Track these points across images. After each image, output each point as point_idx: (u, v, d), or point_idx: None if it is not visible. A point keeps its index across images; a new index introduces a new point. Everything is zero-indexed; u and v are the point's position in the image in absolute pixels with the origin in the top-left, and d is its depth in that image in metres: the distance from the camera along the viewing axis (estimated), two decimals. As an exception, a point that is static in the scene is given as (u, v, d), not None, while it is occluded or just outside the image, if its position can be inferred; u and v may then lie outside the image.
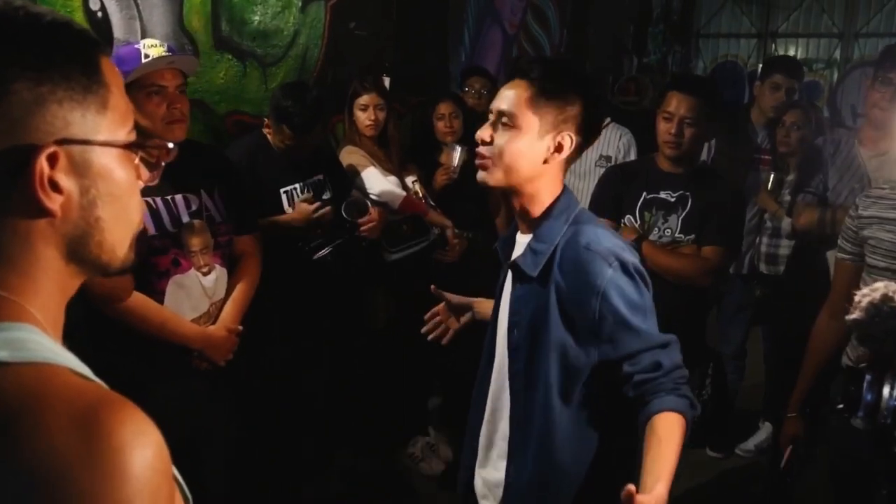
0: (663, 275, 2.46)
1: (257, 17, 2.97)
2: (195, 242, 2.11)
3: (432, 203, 3.42)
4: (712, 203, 2.50)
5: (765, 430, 3.80)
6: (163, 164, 0.81)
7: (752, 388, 3.95)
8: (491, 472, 1.71)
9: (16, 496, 0.56)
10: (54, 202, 0.68)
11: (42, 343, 0.67)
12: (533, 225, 1.58)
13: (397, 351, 3.34)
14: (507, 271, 1.66)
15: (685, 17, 8.06)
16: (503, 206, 3.35)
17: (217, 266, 2.18)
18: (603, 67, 6.09)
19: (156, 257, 2.06)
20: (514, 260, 1.59)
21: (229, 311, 2.23)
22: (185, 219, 2.10)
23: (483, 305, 1.88)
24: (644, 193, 2.58)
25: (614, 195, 2.63)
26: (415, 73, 3.95)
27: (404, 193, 3.28)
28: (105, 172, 0.72)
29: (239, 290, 2.26)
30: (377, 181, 3.22)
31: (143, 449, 0.60)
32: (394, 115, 3.37)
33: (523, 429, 1.60)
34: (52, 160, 0.67)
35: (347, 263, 2.90)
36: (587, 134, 1.58)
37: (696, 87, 2.55)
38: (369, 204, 2.91)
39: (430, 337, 1.96)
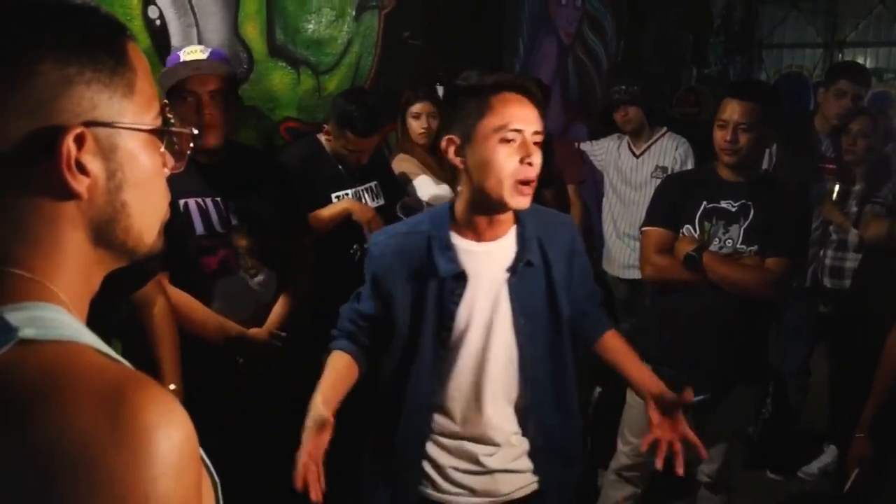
0: (724, 286, 2.39)
1: (311, 26, 3.00)
2: (243, 244, 2.13)
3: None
4: (776, 213, 2.40)
5: (829, 454, 3.64)
6: (188, 152, 0.79)
7: (816, 408, 3.80)
8: (500, 459, 1.77)
9: (37, 474, 0.54)
10: (81, 184, 0.68)
11: (67, 322, 0.66)
12: (508, 226, 1.69)
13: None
14: (465, 280, 1.68)
15: (747, 27, 7.88)
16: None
17: (265, 269, 2.19)
18: (660, 78, 6.00)
19: (204, 257, 2.08)
20: (528, 259, 1.68)
21: (275, 315, 2.23)
22: (234, 221, 2.12)
23: (331, 405, 1.68)
24: (704, 203, 2.49)
25: (672, 205, 2.55)
26: (468, 82, 3.93)
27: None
28: (131, 156, 0.71)
29: (287, 294, 2.27)
30: (429, 189, 3.21)
31: (169, 429, 0.59)
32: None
33: (557, 402, 1.78)
34: (79, 142, 0.67)
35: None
36: None
37: (751, 92, 2.46)
38: (424, 203, 2.90)
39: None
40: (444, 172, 3.32)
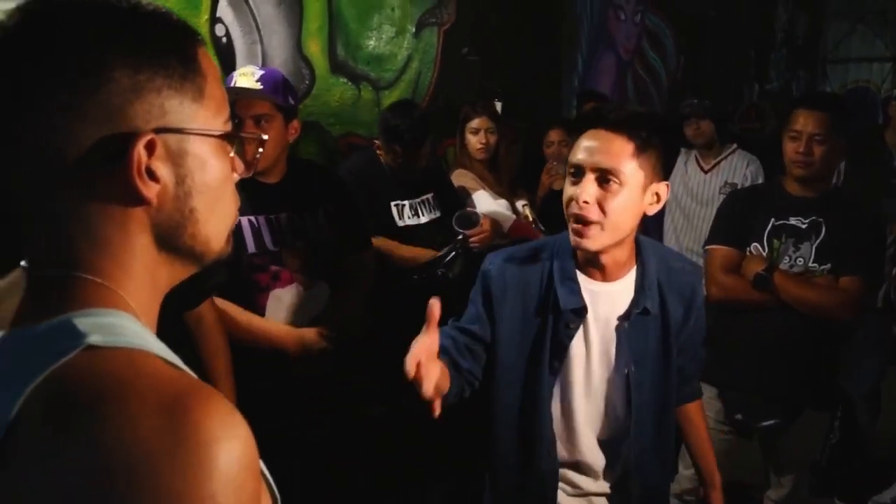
0: (798, 307, 2.29)
1: (372, 42, 3.04)
2: (296, 263, 2.14)
3: (542, 228, 3.37)
4: (849, 230, 2.30)
5: (903, 482, 3.48)
6: (258, 157, 0.79)
7: (887, 434, 3.64)
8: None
9: (97, 482, 0.54)
10: (151, 191, 0.67)
11: (134, 329, 0.65)
12: (623, 268, 1.62)
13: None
14: (584, 319, 1.63)
15: (811, 41, 7.70)
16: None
17: (319, 282, 2.20)
18: (722, 94, 5.89)
19: (256, 274, 2.09)
20: (645, 306, 1.61)
21: (326, 322, 2.21)
22: (290, 237, 2.13)
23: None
24: (772, 220, 2.40)
25: (738, 222, 2.46)
26: (526, 98, 3.94)
27: (514, 217, 3.25)
28: (200, 162, 0.71)
29: (340, 300, 2.25)
30: (487, 204, 3.21)
31: (230, 442, 0.57)
32: (505, 139, 3.36)
33: (658, 451, 1.74)
34: (150, 148, 0.66)
35: (461, 280, 2.87)
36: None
37: (825, 103, 2.37)
38: (480, 215, 2.89)
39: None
40: (501, 188, 3.32)
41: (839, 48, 7.79)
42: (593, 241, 1.51)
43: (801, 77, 7.65)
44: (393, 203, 2.81)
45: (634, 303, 1.61)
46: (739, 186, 3.68)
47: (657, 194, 1.55)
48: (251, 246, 2.08)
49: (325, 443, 2.27)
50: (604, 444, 1.72)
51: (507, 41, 3.80)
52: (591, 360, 1.65)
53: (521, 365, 1.67)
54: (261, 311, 2.09)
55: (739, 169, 3.81)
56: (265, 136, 0.79)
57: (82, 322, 0.63)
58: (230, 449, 0.57)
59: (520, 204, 3.39)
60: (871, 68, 7.64)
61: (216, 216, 0.74)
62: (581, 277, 1.63)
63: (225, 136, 0.73)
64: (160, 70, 0.67)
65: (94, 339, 0.61)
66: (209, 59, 0.73)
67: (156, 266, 0.72)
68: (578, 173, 1.51)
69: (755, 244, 2.42)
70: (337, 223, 2.24)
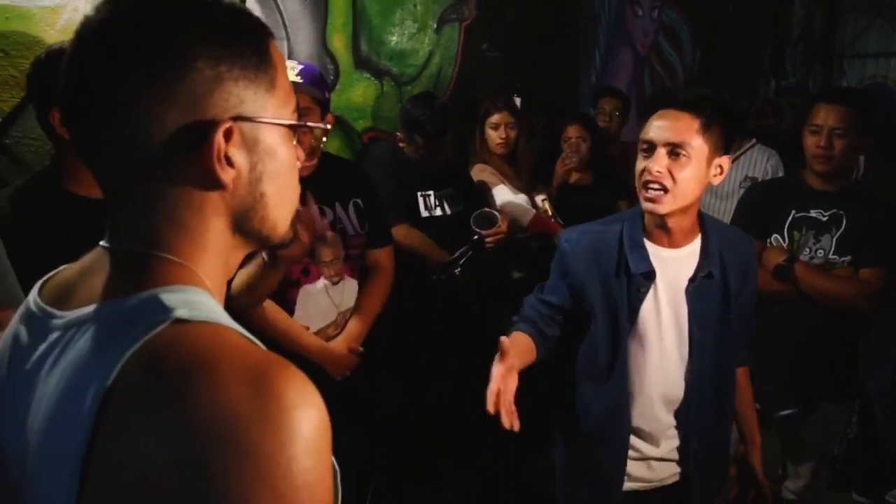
0: (819, 299, 2.32)
1: (395, 38, 3.08)
2: (326, 253, 2.17)
3: (561, 222, 3.40)
4: (870, 222, 2.33)
5: (921, 476, 3.49)
6: (321, 145, 0.83)
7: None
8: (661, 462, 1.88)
9: (188, 444, 0.58)
10: (227, 175, 0.71)
11: (212, 306, 0.70)
12: (689, 236, 1.79)
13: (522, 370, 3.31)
14: (654, 284, 1.79)
15: (828, 36, 7.66)
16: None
17: (347, 276, 2.24)
18: (738, 90, 5.89)
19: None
20: (710, 271, 1.77)
21: (354, 327, 2.24)
22: (319, 231, 2.17)
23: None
24: (793, 212, 2.43)
25: (759, 214, 2.49)
26: (545, 93, 3.96)
27: (534, 211, 3.28)
28: (271, 150, 0.75)
29: (366, 304, 2.28)
30: (507, 198, 3.24)
31: (308, 409, 0.61)
32: (524, 134, 3.39)
33: (717, 413, 1.87)
34: (227, 135, 0.70)
35: (476, 279, 2.91)
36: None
37: (846, 97, 2.40)
38: (498, 216, 2.93)
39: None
40: (520, 182, 3.35)
41: (856, 43, 7.74)
42: (664, 206, 1.69)
43: (818, 72, 7.61)
44: (419, 193, 2.86)
45: (700, 267, 1.77)
46: (760, 180, 3.69)
47: (720, 166, 1.73)
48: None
49: (353, 449, 2.33)
50: (668, 405, 1.85)
51: (526, 37, 3.83)
52: (661, 322, 1.80)
53: (602, 328, 1.82)
54: (291, 307, 2.13)
55: (760, 163, 3.81)
56: (328, 127, 0.83)
57: (169, 297, 0.67)
58: (309, 416, 0.61)
59: (539, 198, 3.42)
60: (889, 63, 7.58)
61: (283, 201, 0.78)
62: (649, 245, 1.80)
63: (293, 126, 0.77)
64: (238, 62, 0.71)
65: (181, 312, 0.65)
66: (278, 53, 0.77)
67: (228, 248, 0.76)
68: (650, 148, 1.71)
69: (776, 236, 2.45)
70: (365, 218, 2.28)
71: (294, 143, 0.79)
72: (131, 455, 0.59)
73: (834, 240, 2.36)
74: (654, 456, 1.88)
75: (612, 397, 1.84)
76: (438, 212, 2.93)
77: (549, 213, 3.40)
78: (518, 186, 3.33)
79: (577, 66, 4.34)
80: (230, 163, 0.71)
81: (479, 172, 3.28)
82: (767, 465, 3.29)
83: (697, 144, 1.67)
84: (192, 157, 0.70)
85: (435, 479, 3.23)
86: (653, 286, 1.78)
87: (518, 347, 1.77)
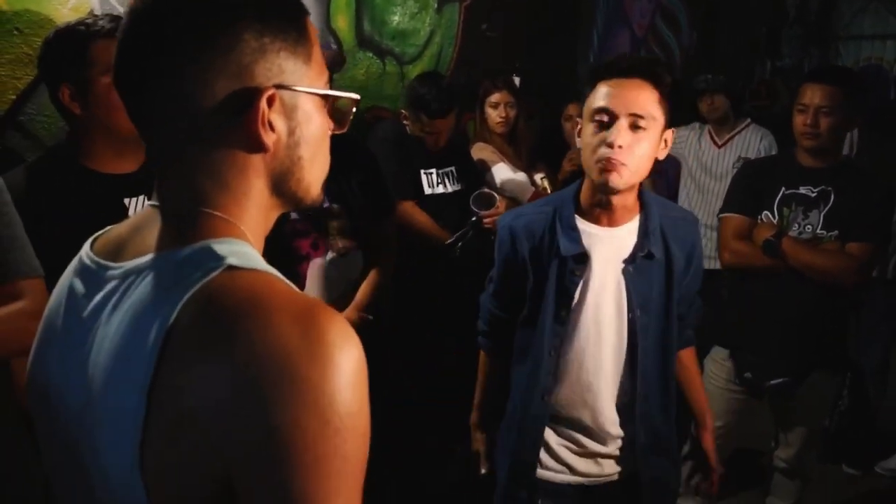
0: (806, 272, 2.38)
1: (396, 18, 3.12)
2: (335, 226, 2.24)
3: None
4: (857, 198, 2.39)
5: (909, 449, 3.59)
6: (351, 117, 0.89)
7: (894, 403, 3.75)
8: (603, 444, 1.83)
9: (244, 376, 0.65)
10: (269, 139, 0.77)
11: (258, 257, 0.77)
12: (629, 213, 1.70)
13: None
14: (585, 263, 1.71)
15: (824, 18, 7.70)
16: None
17: (354, 248, 2.31)
18: (734, 72, 5.93)
19: (298, 240, 2.19)
20: (649, 249, 1.68)
21: (362, 296, 2.33)
22: (326, 204, 2.23)
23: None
24: (783, 189, 2.49)
25: (751, 191, 2.56)
26: (544, 73, 4.01)
27: (533, 189, 3.34)
28: (307, 117, 0.81)
29: (373, 275, 2.36)
30: (507, 176, 3.30)
31: (350, 347, 0.69)
32: (523, 113, 3.44)
33: (662, 397, 1.80)
34: (270, 102, 0.76)
35: (475, 255, 2.98)
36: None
37: (831, 76, 2.46)
38: (497, 197, 3.00)
39: None
40: (520, 161, 3.41)
41: (851, 25, 7.78)
42: (619, 179, 1.59)
43: (814, 54, 7.65)
44: (423, 171, 2.91)
45: (639, 246, 1.69)
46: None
47: (665, 140, 1.65)
48: (293, 212, 2.18)
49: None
50: (609, 395, 1.78)
51: (525, 18, 3.87)
52: (599, 305, 1.71)
53: (533, 311, 1.76)
54: (301, 281, 2.19)
55: (753, 143, 3.86)
56: (358, 97, 0.89)
57: (220, 247, 0.74)
58: (350, 353, 0.68)
59: (538, 177, 3.48)
60: (885, 45, 7.62)
61: (317, 165, 0.85)
62: (584, 224, 1.71)
63: (326, 96, 0.83)
64: (280, 35, 0.77)
65: (232, 260, 0.72)
66: (314, 28, 0.83)
67: (266, 208, 0.83)
68: (610, 119, 1.57)
69: (766, 212, 2.52)
70: (368, 191, 2.34)
71: (326, 112, 0.85)
72: (192, 382, 0.66)
73: (822, 215, 2.43)
74: (599, 451, 1.82)
75: (535, 384, 1.78)
76: (441, 189, 3.00)
77: (549, 191, 3.46)
78: (517, 165, 3.39)
79: (575, 46, 4.38)
80: (272, 127, 0.77)
81: (479, 151, 3.34)
82: (759, 440, 3.40)
83: (657, 116, 1.59)
84: (238, 121, 0.76)
85: (434, 456, 3.30)
86: (588, 268, 1.70)
87: (487, 388, 1.97)
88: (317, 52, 0.83)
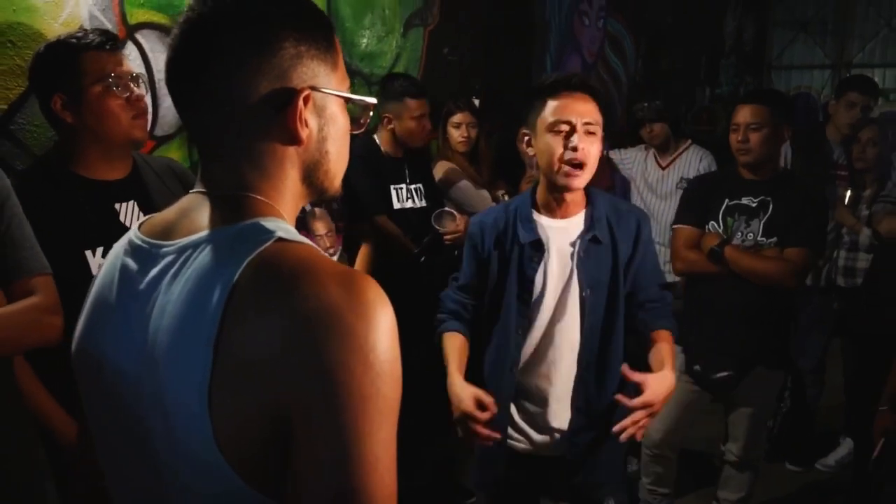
0: (748, 277, 2.58)
1: (365, 40, 3.27)
2: (319, 227, 2.37)
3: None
4: (794, 207, 2.60)
5: (846, 446, 3.81)
6: (367, 120, 1.03)
7: (831, 403, 3.97)
8: (556, 415, 2.01)
9: (300, 327, 0.76)
10: (304, 133, 0.89)
11: (297, 234, 0.88)
12: (578, 206, 1.97)
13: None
14: (545, 253, 1.96)
15: (757, 50, 8.13)
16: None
17: (339, 248, 2.44)
18: (676, 97, 6.24)
19: None
20: (595, 234, 1.93)
21: (359, 267, 2.46)
22: (308, 207, 2.36)
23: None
24: (726, 200, 2.71)
25: (699, 204, 2.77)
26: (501, 95, 4.20)
27: (495, 204, 3.51)
28: (334, 116, 0.93)
29: (362, 252, 2.49)
30: (470, 193, 3.46)
31: (385, 306, 0.80)
32: (484, 133, 3.62)
33: (599, 370, 1.97)
34: (305, 101, 0.89)
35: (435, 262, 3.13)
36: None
37: (757, 97, 2.72)
38: (457, 215, 3.17)
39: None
40: (481, 177, 3.58)
41: (783, 55, 8.24)
42: (581, 180, 1.89)
43: (749, 82, 8.06)
44: (392, 186, 3.06)
45: (585, 232, 1.95)
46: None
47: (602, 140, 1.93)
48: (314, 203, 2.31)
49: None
50: (557, 370, 1.99)
51: (484, 43, 4.06)
52: (557, 287, 1.96)
53: (497, 297, 2.00)
54: None
55: (694, 164, 4.06)
56: (374, 101, 1.02)
57: (268, 224, 0.85)
58: (386, 311, 0.80)
59: (499, 192, 3.65)
60: (812, 75, 8.10)
61: (340, 159, 0.97)
62: (539, 217, 1.99)
63: (349, 100, 0.96)
64: (314, 44, 0.90)
65: (281, 234, 0.84)
66: (337, 40, 0.96)
67: (298, 196, 0.95)
68: (571, 130, 1.85)
69: (712, 223, 2.73)
70: (343, 197, 2.48)
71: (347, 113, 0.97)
72: (253, 334, 0.76)
73: (762, 224, 2.64)
74: (552, 425, 2.02)
75: (505, 358, 2.00)
76: (409, 204, 3.14)
77: (508, 206, 3.63)
78: (479, 181, 3.55)
79: (529, 70, 4.59)
80: (306, 123, 0.90)
81: (443, 168, 3.49)
82: (710, 445, 3.58)
83: (601, 123, 1.88)
84: (277, 117, 0.88)
85: (412, 455, 3.38)
86: (545, 254, 1.95)
87: (456, 352, 1.99)
88: (341, 61, 0.95)
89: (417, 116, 3.04)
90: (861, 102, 3.61)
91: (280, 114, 0.88)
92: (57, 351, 1.58)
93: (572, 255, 1.96)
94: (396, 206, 3.09)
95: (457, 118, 3.48)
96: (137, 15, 2.39)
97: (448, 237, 3.09)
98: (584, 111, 1.85)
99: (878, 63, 7.63)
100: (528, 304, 1.98)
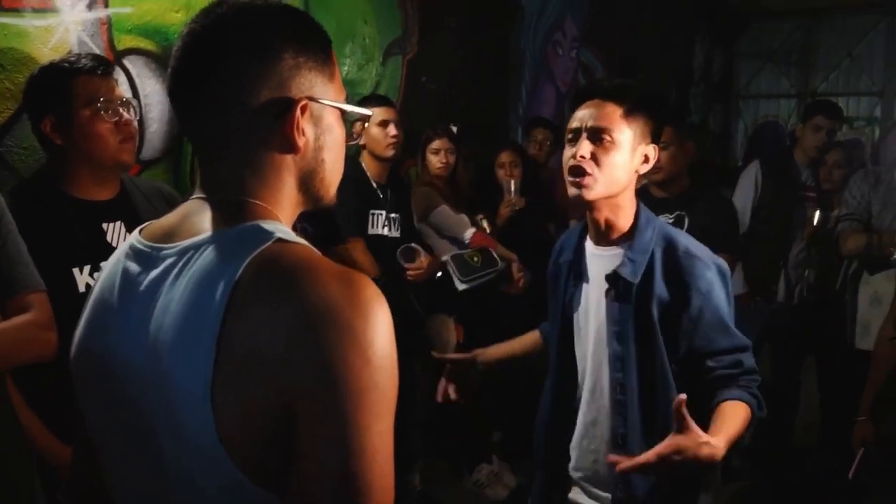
0: None
1: (346, 68, 3.34)
2: None
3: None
4: (708, 217, 2.73)
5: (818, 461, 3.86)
6: (360, 132, 1.07)
7: (808, 420, 4.02)
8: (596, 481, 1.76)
9: (302, 322, 0.79)
10: (301, 141, 0.93)
11: (296, 236, 0.91)
12: (622, 237, 1.70)
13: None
14: (584, 281, 1.76)
15: (725, 80, 8.34)
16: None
17: None
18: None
19: None
20: (615, 270, 1.66)
21: None
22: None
23: (487, 353, 2.04)
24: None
25: None
26: (478, 123, 4.29)
27: (475, 229, 3.57)
28: (330, 126, 0.97)
29: None
30: (449, 217, 3.52)
31: (383, 304, 0.82)
32: (462, 159, 3.69)
33: (622, 443, 1.67)
34: (303, 110, 0.92)
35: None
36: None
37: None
38: (422, 253, 3.21)
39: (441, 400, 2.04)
40: (460, 203, 3.64)
41: (750, 85, 8.46)
42: (589, 190, 1.63)
43: (718, 111, 8.27)
44: (371, 211, 3.10)
45: (618, 268, 1.66)
46: None
47: (646, 155, 1.69)
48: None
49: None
50: (605, 410, 1.72)
51: (461, 72, 4.16)
52: (588, 323, 1.73)
53: (551, 319, 1.91)
54: None
55: None
56: (370, 113, 1.07)
57: (268, 226, 0.89)
58: (383, 307, 0.83)
59: (478, 217, 3.71)
60: (780, 104, 8.31)
61: (336, 168, 1.00)
62: (588, 244, 1.76)
63: (345, 111, 0.99)
64: (312, 55, 0.94)
65: (280, 235, 0.87)
66: (334, 54, 1.00)
67: (294, 203, 0.98)
68: (575, 136, 1.66)
69: None
70: (317, 221, 2.52)
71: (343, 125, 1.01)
72: (255, 328, 0.79)
73: None
74: (595, 493, 1.77)
75: (553, 390, 1.82)
76: (383, 231, 3.18)
77: (488, 230, 3.69)
78: (458, 206, 3.61)
79: (506, 98, 4.69)
80: (303, 132, 0.93)
81: (422, 194, 3.54)
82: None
83: (621, 130, 1.63)
84: (276, 125, 0.91)
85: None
86: (584, 284, 1.74)
87: (516, 340, 2.04)
88: (338, 74, 0.99)
89: (379, 122, 3.05)
90: (826, 126, 3.72)
91: (278, 122, 0.91)
92: (46, 369, 1.59)
93: (607, 291, 1.69)
94: (371, 231, 3.13)
95: (435, 144, 3.54)
96: (125, 41, 2.44)
97: (410, 273, 3.13)
98: (593, 115, 1.64)
99: (841, 91, 7.84)
100: (569, 341, 1.78)
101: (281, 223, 0.92)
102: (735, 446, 1.49)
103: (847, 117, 7.55)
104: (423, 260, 3.15)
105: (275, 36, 0.92)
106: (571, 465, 1.80)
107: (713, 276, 1.64)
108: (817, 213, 3.65)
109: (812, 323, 3.76)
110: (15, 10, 2.12)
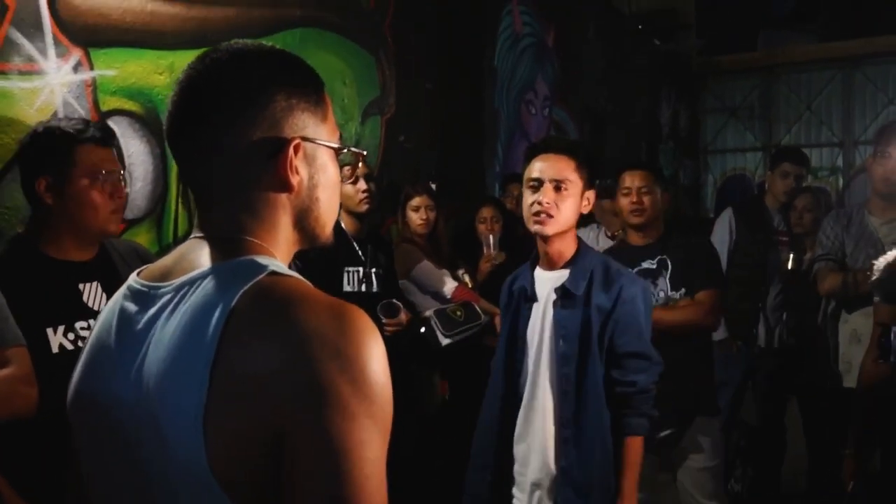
0: (672, 331, 2.66)
1: (326, 128, 3.40)
2: None
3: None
4: (688, 257, 2.83)
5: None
6: (357, 171, 1.09)
7: (797, 466, 4.01)
8: (535, 470, 2.08)
9: (296, 351, 0.80)
10: (295, 180, 0.95)
11: (289, 270, 0.93)
12: (567, 262, 2.11)
13: (452, 432, 3.50)
14: (534, 301, 2.13)
15: (692, 135, 8.60)
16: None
17: None
18: (617, 180, 6.50)
19: None
20: (563, 284, 2.06)
21: None
22: None
23: None
24: (629, 269, 2.85)
25: None
26: (455, 180, 4.36)
27: (456, 283, 3.59)
28: (324, 165, 0.99)
29: None
30: (431, 273, 3.53)
31: (374, 335, 0.83)
32: (442, 215, 3.74)
33: (572, 424, 2.02)
34: (296, 150, 0.94)
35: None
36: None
37: (643, 164, 3.05)
38: (402, 309, 3.20)
39: None
40: (441, 258, 3.66)
41: (716, 140, 8.73)
42: (549, 227, 2.04)
43: (687, 165, 8.49)
44: (346, 268, 3.10)
45: (564, 283, 2.07)
46: None
47: (588, 198, 2.10)
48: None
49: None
50: (550, 422, 2.07)
51: (437, 131, 4.25)
52: (540, 336, 2.10)
53: (502, 350, 2.19)
54: None
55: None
56: (364, 153, 1.10)
57: (262, 260, 0.90)
58: (376, 339, 0.84)
59: (460, 272, 3.73)
60: (746, 157, 8.57)
61: (331, 207, 1.02)
62: (538, 270, 2.16)
63: (338, 150, 1.02)
64: (304, 97, 0.96)
65: (274, 268, 0.89)
66: (327, 96, 1.02)
67: (290, 241, 0.99)
68: (539, 184, 2.05)
69: None
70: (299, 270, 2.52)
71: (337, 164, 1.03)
72: (249, 356, 0.80)
73: (667, 280, 2.82)
74: (534, 481, 2.09)
75: (499, 399, 2.14)
76: (362, 288, 3.17)
77: (469, 284, 3.71)
78: (439, 262, 3.63)
79: (482, 155, 4.79)
80: (296, 171, 0.95)
81: (404, 251, 3.56)
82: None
83: (574, 180, 2.03)
84: (270, 165, 0.93)
85: None
86: (535, 304, 2.11)
87: None
88: (331, 115, 1.02)
89: (346, 175, 3.09)
90: (794, 172, 3.84)
91: (272, 162, 0.93)
92: (16, 429, 1.57)
93: (555, 302, 2.07)
94: (346, 288, 3.11)
95: (415, 202, 3.58)
96: (110, 102, 2.47)
97: (389, 329, 3.12)
98: (554, 169, 2.03)
99: (803, 143, 8.10)
100: (521, 358, 2.12)
101: (276, 259, 0.94)
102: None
103: (811, 168, 7.78)
104: (402, 317, 3.15)
105: (267, 78, 0.94)
106: (516, 467, 2.12)
107: (637, 291, 2.08)
108: (791, 256, 3.73)
109: (794, 365, 3.79)
110: (1, 73, 2.15)
